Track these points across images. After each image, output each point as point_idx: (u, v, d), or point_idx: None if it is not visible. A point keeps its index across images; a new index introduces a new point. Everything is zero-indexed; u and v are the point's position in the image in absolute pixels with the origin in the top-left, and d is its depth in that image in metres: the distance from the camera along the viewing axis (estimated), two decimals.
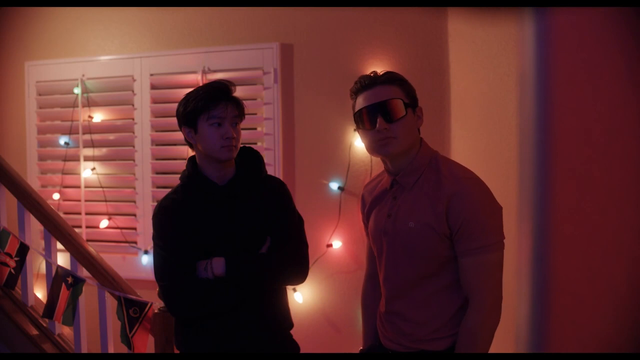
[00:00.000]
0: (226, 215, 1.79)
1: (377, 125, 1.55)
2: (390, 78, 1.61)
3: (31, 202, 2.52)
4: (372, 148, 1.61)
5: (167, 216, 1.79)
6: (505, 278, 1.48)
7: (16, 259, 2.51)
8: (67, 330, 2.55)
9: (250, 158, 1.90)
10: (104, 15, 3.28)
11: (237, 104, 1.79)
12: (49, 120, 3.40)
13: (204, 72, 3.03)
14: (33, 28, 3.44)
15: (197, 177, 1.81)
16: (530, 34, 0.49)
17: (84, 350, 2.43)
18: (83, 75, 3.25)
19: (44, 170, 3.41)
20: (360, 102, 1.61)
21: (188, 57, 3.08)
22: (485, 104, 2.16)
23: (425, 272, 1.58)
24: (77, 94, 3.25)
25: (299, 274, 1.83)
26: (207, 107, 1.74)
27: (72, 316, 2.35)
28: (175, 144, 3.16)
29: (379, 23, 2.85)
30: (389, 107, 1.56)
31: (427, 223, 1.55)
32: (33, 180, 3.35)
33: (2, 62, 3.52)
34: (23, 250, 2.51)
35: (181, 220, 1.78)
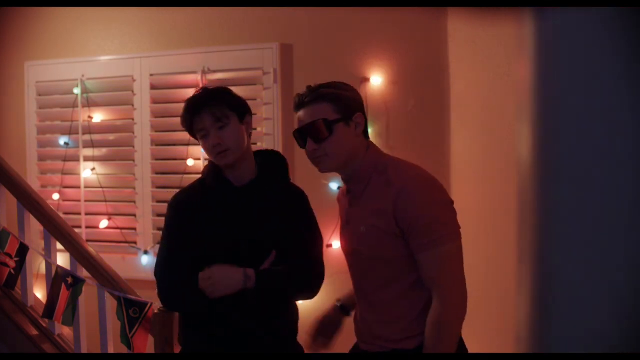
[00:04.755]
0: (239, 216, 1.78)
1: (307, 146, 1.60)
2: (317, 96, 1.60)
3: (31, 203, 2.52)
4: (312, 163, 1.65)
5: (177, 210, 1.82)
6: (506, 278, 1.48)
7: (16, 259, 2.51)
8: (67, 331, 2.55)
9: (274, 162, 1.89)
10: (104, 15, 3.28)
11: (218, 107, 1.73)
12: (49, 121, 3.40)
13: (204, 72, 3.03)
14: (33, 28, 3.44)
15: (215, 175, 1.81)
16: (530, 34, 0.49)
17: (84, 350, 2.43)
18: (83, 76, 3.25)
19: (44, 171, 3.41)
20: (296, 122, 1.65)
21: (188, 57, 3.08)
22: (485, 104, 2.16)
23: (388, 274, 1.59)
24: (77, 94, 3.25)
25: (310, 296, 1.84)
26: (191, 122, 1.75)
27: (72, 316, 2.35)
28: (175, 145, 3.16)
29: (379, 23, 2.85)
30: (314, 129, 1.58)
31: (374, 225, 1.56)
32: (33, 180, 3.35)
33: (2, 62, 3.52)
34: (23, 250, 2.51)
35: (192, 216, 1.79)
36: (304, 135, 1.60)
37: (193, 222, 1.78)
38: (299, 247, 1.81)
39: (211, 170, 1.83)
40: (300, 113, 1.61)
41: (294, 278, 1.78)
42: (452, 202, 1.58)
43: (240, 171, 1.79)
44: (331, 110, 1.58)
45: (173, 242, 1.80)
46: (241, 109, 1.80)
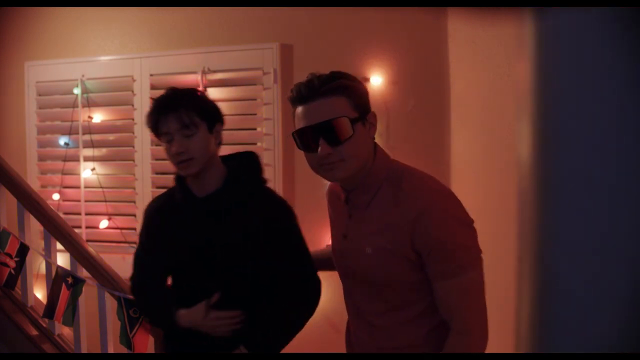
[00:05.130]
0: (199, 231, 1.65)
1: (320, 150, 1.31)
2: (333, 87, 1.32)
3: (31, 203, 2.52)
4: (317, 172, 1.38)
5: (149, 217, 1.77)
6: (506, 279, 1.48)
7: (16, 259, 2.51)
8: (67, 331, 2.55)
9: (245, 167, 1.72)
10: (104, 15, 3.28)
11: (186, 113, 1.59)
12: (49, 121, 3.40)
13: (204, 72, 3.03)
14: (33, 28, 3.44)
15: (180, 184, 1.70)
16: (530, 34, 0.49)
17: (84, 350, 2.43)
18: (83, 76, 3.25)
19: (44, 171, 3.41)
20: (300, 117, 1.35)
21: (188, 57, 3.08)
22: (485, 104, 2.16)
23: (397, 301, 1.39)
24: (77, 94, 3.25)
25: (311, 315, 1.71)
26: (156, 123, 1.62)
27: (72, 316, 2.35)
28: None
29: (379, 23, 2.85)
30: (334, 128, 1.30)
31: (386, 249, 1.34)
32: (33, 180, 3.35)
33: (2, 62, 3.52)
34: (23, 250, 2.51)
35: (160, 224, 1.73)
36: (315, 135, 1.31)
37: (161, 230, 1.72)
38: (287, 268, 1.67)
39: (175, 179, 1.73)
40: (306, 107, 1.33)
41: (293, 312, 1.68)
42: (473, 222, 1.37)
43: (203, 181, 1.65)
44: (349, 106, 1.32)
45: (149, 244, 1.75)
46: (212, 118, 1.65)
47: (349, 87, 1.34)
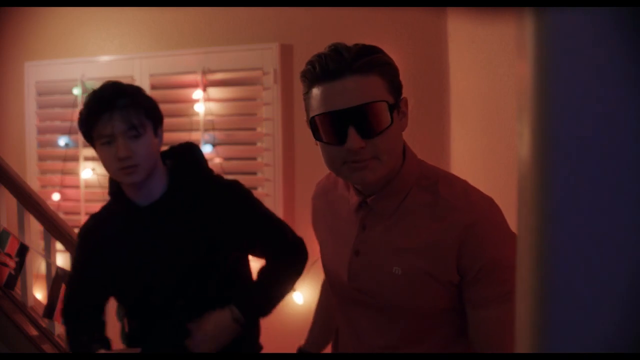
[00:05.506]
0: (150, 245, 1.46)
1: (349, 143, 1.01)
2: (368, 63, 1.05)
3: (31, 203, 2.52)
4: (338, 171, 1.09)
5: (84, 239, 1.55)
6: None
7: (16, 259, 2.51)
8: None
9: (187, 164, 1.53)
10: (104, 15, 3.29)
11: (135, 111, 1.39)
12: (49, 121, 3.40)
13: (204, 72, 3.03)
14: (33, 28, 3.44)
15: (118, 196, 1.51)
16: (530, 34, 0.49)
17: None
18: (83, 76, 3.25)
19: (44, 171, 3.41)
20: (321, 99, 1.04)
21: (188, 57, 3.08)
22: (485, 104, 2.16)
23: (412, 334, 1.15)
24: (77, 95, 3.25)
25: (300, 273, 1.61)
26: (90, 124, 1.40)
27: None
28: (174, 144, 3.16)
29: (379, 23, 2.85)
30: (369, 115, 1.02)
31: (423, 269, 1.08)
32: (33, 180, 3.35)
33: (2, 62, 3.53)
34: (23, 250, 2.51)
35: (98, 246, 1.51)
36: (343, 123, 1.02)
37: (101, 255, 1.50)
38: (268, 240, 1.56)
39: (112, 190, 1.54)
40: (332, 86, 1.03)
41: (286, 271, 1.58)
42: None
43: (147, 189, 1.46)
44: (385, 88, 1.06)
45: (78, 278, 1.56)
46: (157, 118, 1.47)
47: (386, 64, 1.09)
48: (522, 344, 0.55)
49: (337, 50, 1.08)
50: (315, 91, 1.06)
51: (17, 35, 3.47)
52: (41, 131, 3.40)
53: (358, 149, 1.02)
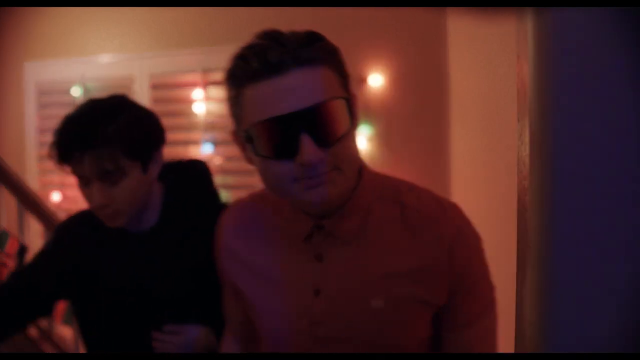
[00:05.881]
0: (136, 273, 1.26)
1: (304, 155, 0.80)
2: (317, 52, 0.83)
3: (31, 203, 2.52)
4: (288, 191, 0.85)
5: (59, 238, 1.32)
6: (506, 278, 1.49)
7: (16, 259, 2.51)
8: (67, 331, 2.55)
9: (186, 185, 1.31)
10: (104, 15, 3.29)
11: (108, 154, 1.12)
12: (48, 121, 3.40)
13: (204, 72, 3.03)
14: (33, 28, 3.44)
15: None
16: (531, 34, 0.49)
17: (84, 350, 2.43)
18: (83, 76, 3.25)
19: (44, 171, 3.41)
20: (258, 104, 0.82)
21: (188, 57, 3.08)
22: (485, 104, 2.16)
23: None
24: (77, 94, 3.25)
25: None
26: (62, 158, 1.17)
27: (72, 316, 2.35)
28: (175, 144, 3.16)
29: (379, 23, 2.85)
30: (327, 117, 0.81)
31: (415, 296, 0.90)
32: (32, 180, 3.35)
33: (2, 62, 3.53)
34: (23, 250, 2.51)
35: (71, 252, 1.28)
36: (294, 130, 0.80)
37: (71, 264, 1.27)
38: None
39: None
40: (274, 84, 0.81)
41: None
42: None
43: (136, 220, 1.25)
44: (337, 82, 0.86)
45: (34, 272, 1.29)
46: (148, 152, 1.19)
47: (335, 52, 0.87)
48: (523, 344, 0.55)
49: (275, 39, 0.83)
50: (251, 92, 0.83)
51: (17, 36, 3.47)
52: (41, 131, 3.40)
53: (316, 161, 0.80)
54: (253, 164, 0.91)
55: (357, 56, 2.86)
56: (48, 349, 2.51)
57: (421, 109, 2.78)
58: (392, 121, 2.80)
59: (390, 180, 0.99)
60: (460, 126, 2.61)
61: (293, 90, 0.81)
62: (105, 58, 3.25)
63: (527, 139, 0.53)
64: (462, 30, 2.47)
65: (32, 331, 2.55)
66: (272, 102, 0.82)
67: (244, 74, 0.84)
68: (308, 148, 0.80)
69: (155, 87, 3.14)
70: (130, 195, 1.18)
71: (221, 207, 1.27)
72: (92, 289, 1.28)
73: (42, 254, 1.32)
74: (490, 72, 2.04)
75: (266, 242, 0.99)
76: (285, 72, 0.82)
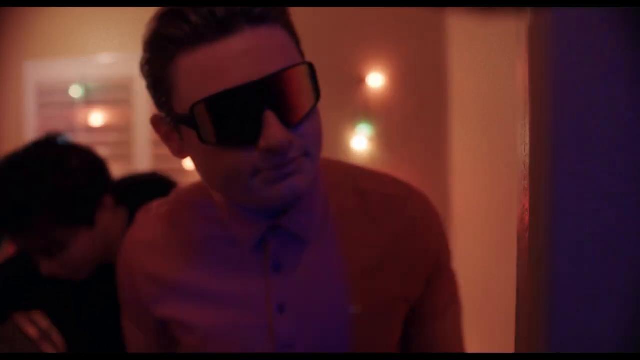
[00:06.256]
0: (89, 315, 1.15)
1: (269, 137, 0.63)
2: (269, 9, 0.66)
3: None
4: (247, 188, 0.67)
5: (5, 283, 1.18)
6: (506, 278, 1.48)
7: None
8: None
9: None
10: (104, 15, 3.29)
11: (40, 230, 0.96)
12: (48, 121, 3.40)
13: None
14: (33, 28, 3.44)
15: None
16: (531, 33, 0.49)
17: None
18: (82, 76, 3.25)
19: None
20: (203, 74, 0.64)
21: None
22: (485, 104, 2.16)
23: None
24: (77, 94, 3.25)
25: None
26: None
27: None
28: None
29: (379, 23, 2.85)
30: (292, 88, 0.65)
31: (391, 291, 0.79)
32: None
33: (1, 62, 3.53)
34: None
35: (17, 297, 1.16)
36: (256, 105, 0.63)
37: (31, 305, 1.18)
38: None
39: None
40: (222, 47, 0.63)
41: None
42: None
43: (104, 259, 1.11)
44: (295, 47, 0.71)
45: None
46: (90, 209, 1.02)
47: (286, 10, 0.70)
48: (523, 344, 0.55)
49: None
50: (188, 60, 0.64)
51: (16, 35, 3.47)
52: (40, 131, 3.40)
53: (286, 145, 0.63)
54: (185, 157, 0.73)
55: (357, 56, 2.86)
56: (48, 349, 2.51)
57: (421, 109, 2.78)
58: (392, 121, 2.80)
59: (343, 166, 0.86)
60: (460, 126, 2.61)
61: (249, 54, 0.63)
62: (105, 58, 3.25)
63: (527, 139, 0.53)
64: (462, 30, 2.47)
65: (32, 331, 2.55)
66: (222, 71, 0.62)
67: (177, 36, 0.64)
68: (274, 128, 0.62)
69: None
70: (85, 255, 1.03)
71: None
72: (59, 324, 1.16)
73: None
74: (490, 72, 2.04)
75: (199, 255, 0.79)
76: (237, 31, 0.62)
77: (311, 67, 0.69)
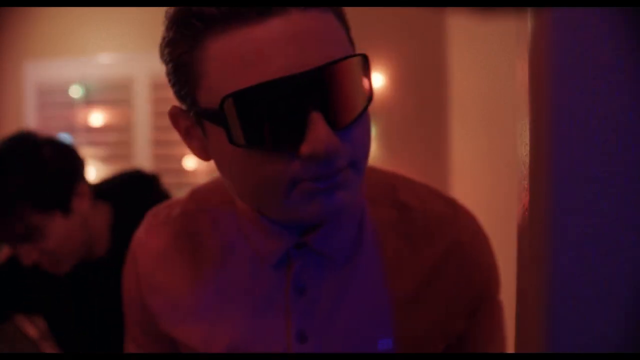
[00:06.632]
0: (87, 311, 1.17)
1: (316, 143, 0.52)
2: None
3: None
4: (281, 201, 0.58)
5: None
6: (506, 278, 1.48)
7: None
8: None
9: (134, 205, 1.05)
10: (104, 15, 3.28)
11: (17, 218, 0.99)
12: (48, 121, 3.40)
13: None
14: (32, 28, 3.44)
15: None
16: (531, 33, 0.49)
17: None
18: (82, 76, 3.25)
19: None
20: (233, 62, 0.52)
21: None
22: (485, 104, 2.17)
23: None
24: (77, 94, 3.25)
25: None
26: None
27: None
28: (175, 144, 3.16)
29: (378, 22, 2.85)
30: (345, 84, 0.55)
31: (429, 324, 0.69)
32: None
33: (1, 62, 3.52)
34: None
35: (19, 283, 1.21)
36: (301, 103, 0.52)
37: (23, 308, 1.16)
38: None
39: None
40: (263, 30, 0.52)
41: None
42: None
43: (88, 253, 1.14)
44: (346, 38, 0.64)
45: None
46: (66, 194, 1.04)
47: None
48: (523, 344, 0.55)
49: None
50: (222, 44, 0.53)
51: (16, 35, 3.47)
52: (40, 131, 3.40)
53: (333, 152, 0.53)
54: (208, 158, 0.63)
55: None
56: (48, 349, 2.51)
57: (421, 109, 2.78)
58: (392, 121, 2.80)
59: (380, 174, 0.75)
60: (460, 126, 2.61)
61: (295, 40, 0.52)
62: (105, 58, 3.25)
63: (527, 139, 0.53)
64: (462, 30, 2.47)
65: (32, 331, 2.55)
66: (261, 59, 0.52)
67: (208, 13, 0.52)
68: (321, 131, 0.52)
69: (155, 87, 3.14)
70: (63, 243, 1.04)
71: None
72: (51, 326, 1.15)
73: None
74: (490, 72, 2.03)
75: (213, 270, 0.70)
76: (282, 12, 0.52)
77: (366, 60, 0.58)
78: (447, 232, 0.70)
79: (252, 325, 0.68)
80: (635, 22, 0.42)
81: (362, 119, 0.57)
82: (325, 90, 0.52)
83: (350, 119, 0.55)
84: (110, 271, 1.05)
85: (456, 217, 0.71)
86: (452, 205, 0.73)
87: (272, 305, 0.68)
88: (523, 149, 0.58)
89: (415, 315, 0.68)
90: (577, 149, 0.44)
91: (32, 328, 2.57)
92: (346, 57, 0.55)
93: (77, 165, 1.10)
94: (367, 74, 0.58)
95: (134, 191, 1.14)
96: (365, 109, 0.57)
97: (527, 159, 0.55)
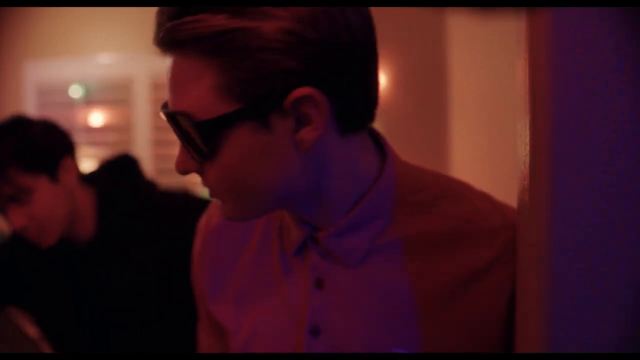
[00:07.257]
0: (86, 294, 1.21)
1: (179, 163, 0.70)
2: (191, 30, 0.55)
3: None
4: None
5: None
6: None
7: None
8: None
9: (122, 186, 1.21)
10: (104, 15, 3.28)
11: (6, 177, 1.08)
12: None
13: None
14: (32, 28, 3.44)
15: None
16: (531, 33, 0.49)
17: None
18: (82, 76, 3.25)
19: None
20: None
21: None
22: (486, 104, 2.17)
23: None
24: (77, 94, 3.25)
25: None
26: None
27: None
28: (175, 144, 3.16)
29: (379, 22, 2.85)
30: (177, 133, 0.66)
31: (453, 346, 0.64)
32: None
33: (1, 62, 3.52)
34: None
35: (18, 284, 1.28)
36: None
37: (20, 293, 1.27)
38: None
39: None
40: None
41: None
42: None
43: (73, 233, 1.18)
44: (210, 86, 0.61)
45: None
46: (51, 161, 1.14)
47: (229, 34, 0.56)
48: (523, 344, 0.55)
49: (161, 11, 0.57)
50: None
51: (16, 35, 3.47)
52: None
53: (180, 170, 0.71)
54: (303, 149, 0.63)
55: None
56: (48, 349, 2.50)
57: (421, 109, 2.78)
58: (392, 121, 2.80)
59: (416, 173, 0.72)
60: (460, 126, 2.61)
61: (168, 81, 0.62)
62: (105, 58, 3.25)
63: (527, 139, 0.53)
64: (462, 30, 2.47)
65: (32, 331, 2.54)
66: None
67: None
68: (177, 157, 0.69)
69: (155, 87, 3.14)
70: (49, 209, 1.11)
71: (169, 203, 1.22)
72: (40, 315, 1.25)
73: None
74: (490, 72, 2.03)
75: (254, 254, 0.72)
76: (173, 53, 0.60)
77: (196, 122, 0.60)
78: (486, 245, 0.65)
79: (272, 313, 0.70)
80: (635, 22, 0.42)
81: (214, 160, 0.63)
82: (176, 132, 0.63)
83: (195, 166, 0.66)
84: (99, 251, 1.17)
85: (504, 227, 0.66)
86: (501, 216, 0.68)
87: (296, 293, 0.68)
88: (523, 149, 0.58)
89: (442, 325, 0.64)
90: (577, 149, 0.44)
91: (32, 328, 2.57)
92: (173, 113, 0.62)
93: (66, 142, 1.21)
94: (203, 133, 0.62)
95: (119, 177, 1.23)
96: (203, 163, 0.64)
97: (527, 159, 0.55)
